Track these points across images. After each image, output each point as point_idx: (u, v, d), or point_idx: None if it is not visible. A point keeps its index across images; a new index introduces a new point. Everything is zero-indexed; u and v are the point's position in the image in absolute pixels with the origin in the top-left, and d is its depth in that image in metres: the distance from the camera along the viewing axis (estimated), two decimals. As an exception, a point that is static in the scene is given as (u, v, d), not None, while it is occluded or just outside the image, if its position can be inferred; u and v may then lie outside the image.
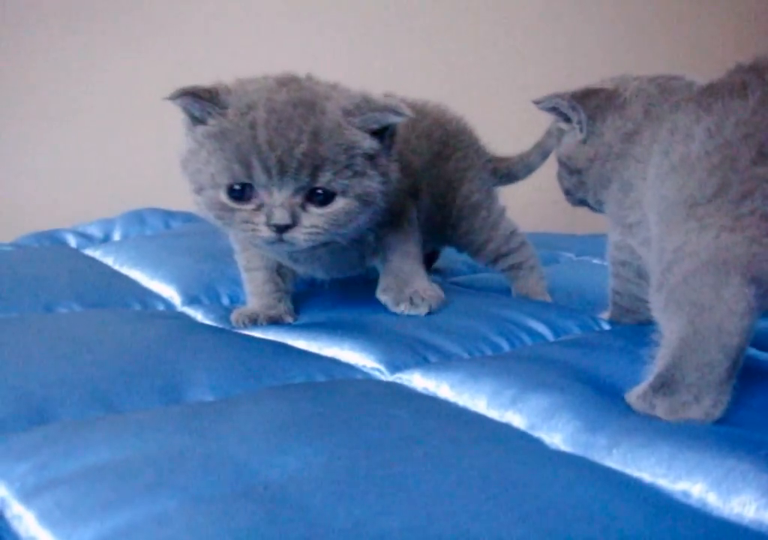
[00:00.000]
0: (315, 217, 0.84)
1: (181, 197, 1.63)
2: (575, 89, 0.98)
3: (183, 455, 0.53)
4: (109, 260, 1.35)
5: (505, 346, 0.90)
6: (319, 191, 0.84)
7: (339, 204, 0.85)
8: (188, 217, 1.60)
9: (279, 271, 1.04)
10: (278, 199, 0.83)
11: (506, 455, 0.58)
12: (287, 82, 0.88)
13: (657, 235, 0.78)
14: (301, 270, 1.04)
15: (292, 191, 0.83)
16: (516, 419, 0.68)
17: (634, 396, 0.71)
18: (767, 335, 0.97)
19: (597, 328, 0.99)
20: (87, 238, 1.51)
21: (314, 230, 0.85)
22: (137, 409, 0.67)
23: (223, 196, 0.84)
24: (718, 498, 0.55)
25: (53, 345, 0.84)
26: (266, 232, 0.84)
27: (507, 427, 0.67)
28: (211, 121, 0.84)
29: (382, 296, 1.01)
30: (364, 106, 0.86)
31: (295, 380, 0.76)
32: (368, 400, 0.67)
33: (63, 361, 0.78)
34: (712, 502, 0.55)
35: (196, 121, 0.86)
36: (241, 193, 0.84)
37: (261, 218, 0.83)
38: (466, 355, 0.86)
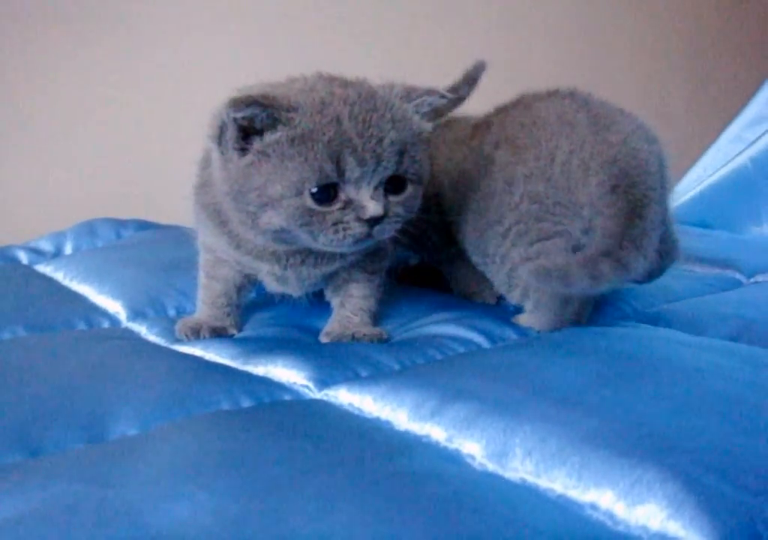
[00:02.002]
0: (396, 206, 0.84)
1: (134, 205, 1.64)
2: None
3: (80, 507, 0.53)
4: (59, 275, 1.34)
5: (438, 356, 0.89)
6: (396, 180, 0.84)
7: (410, 190, 0.85)
8: (140, 226, 1.60)
9: (238, 285, 1.03)
10: (368, 193, 0.81)
11: (413, 482, 0.58)
12: (330, 79, 0.86)
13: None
14: (275, 284, 0.99)
15: (378, 182, 0.82)
16: (435, 431, 0.68)
17: (521, 321, 0.98)
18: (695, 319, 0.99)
19: (535, 333, 0.99)
20: (38, 254, 1.50)
21: (397, 219, 0.84)
22: (58, 451, 0.67)
23: (310, 201, 0.80)
24: (625, 508, 0.55)
25: (-16, 380, 0.84)
26: (359, 228, 0.81)
27: (424, 443, 0.67)
28: (281, 127, 0.79)
29: (323, 338, 0.98)
30: (413, 91, 0.86)
31: (222, 406, 0.76)
32: (283, 428, 0.68)
33: (-9, 398, 0.78)
34: (619, 513, 0.55)
35: (250, 132, 0.80)
36: (326, 194, 0.80)
37: (351, 215, 0.81)
38: (397, 367, 0.86)
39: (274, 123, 0.79)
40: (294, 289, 1.00)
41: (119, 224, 1.59)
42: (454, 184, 1.03)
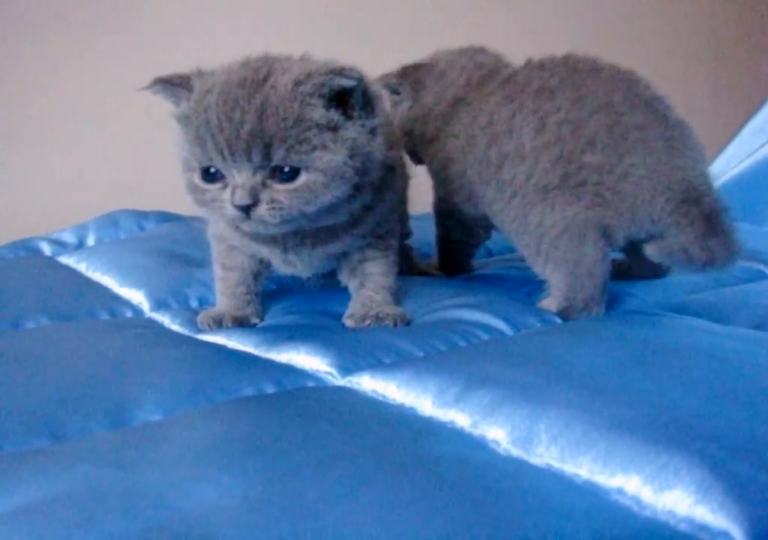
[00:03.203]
0: (277, 193, 0.82)
1: (154, 197, 1.64)
2: (399, 68, 1.22)
3: (106, 490, 0.53)
4: (82, 267, 1.35)
5: (462, 343, 0.89)
6: (285, 169, 0.82)
7: (302, 179, 0.83)
8: (162, 218, 1.60)
9: (254, 272, 1.03)
10: (239, 180, 0.82)
11: (438, 468, 0.58)
12: (251, 62, 0.87)
13: (505, 210, 1.04)
14: (283, 266, 1.01)
15: (252, 171, 0.82)
16: (459, 417, 0.68)
17: (545, 305, 1.02)
18: (719, 308, 0.98)
19: (558, 321, 0.99)
20: (61, 245, 1.51)
21: (277, 205, 0.82)
22: (82, 436, 0.67)
23: (197, 179, 0.86)
24: (652, 494, 0.55)
25: (10, 367, 0.85)
26: (231, 211, 0.83)
27: (449, 429, 0.67)
28: (181, 106, 0.86)
29: (347, 321, 0.98)
30: (314, 72, 0.83)
31: (244, 393, 0.76)
32: (306, 414, 0.68)
33: (17, 384, 0.79)
34: (646, 497, 0.55)
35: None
36: (213, 175, 0.84)
37: (227, 196, 0.83)
38: (420, 354, 0.86)
39: (180, 101, 0.87)
40: (302, 271, 1.01)
41: (141, 216, 1.60)
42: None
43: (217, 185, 0.84)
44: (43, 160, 1.80)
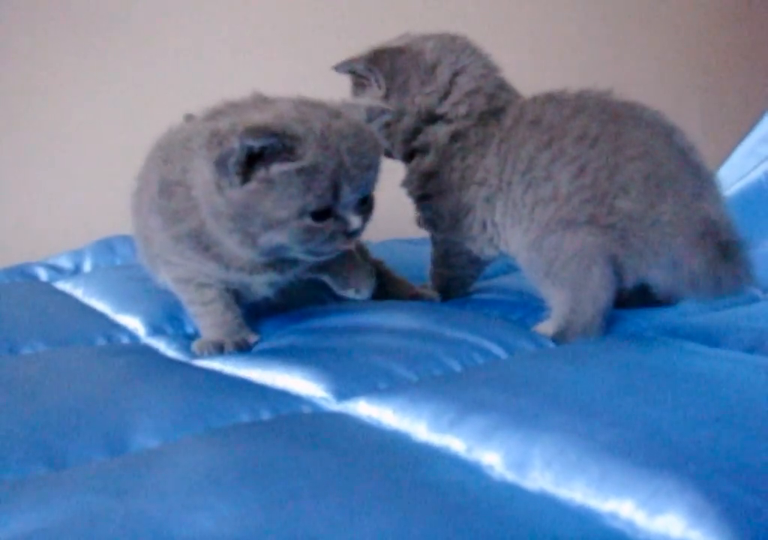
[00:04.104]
0: (365, 217, 0.92)
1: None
2: (368, 51, 1.14)
3: (104, 518, 0.53)
4: (78, 292, 1.36)
5: (457, 367, 0.90)
6: (368, 196, 0.92)
7: (370, 202, 0.93)
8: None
9: (231, 295, 1.04)
10: (352, 210, 0.90)
11: (433, 493, 0.58)
12: (309, 104, 0.90)
13: (523, 239, 1.04)
14: (260, 289, 1.05)
15: (359, 201, 0.90)
16: (455, 443, 0.68)
17: (542, 329, 1.02)
18: (711, 331, 0.99)
19: (551, 345, 1.00)
20: (57, 271, 1.52)
21: (363, 228, 0.93)
22: (80, 463, 0.68)
23: (309, 221, 0.86)
24: (646, 517, 0.55)
25: (6, 393, 0.85)
26: (343, 240, 0.90)
27: (443, 454, 0.67)
28: (287, 158, 0.83)
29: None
30: (370, 112, 0.94)
31: (241, 419, 0.76)
32: (302, 440, 0.68)
33: (13, 410, 0.79)
34: (640, 521, 0.55)
35: (254, 160, 0.84)
36: (323, 214, 0.87)
37: (340, 230, 0.89)
38: (415, 378, 0.86)
39: (280, 153, 0.83)
40: (270, 291, 1.06)
41: (137, 241, 1.60)
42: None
43: (328, 223, 0.88)
44: (39, 185, 1.81)
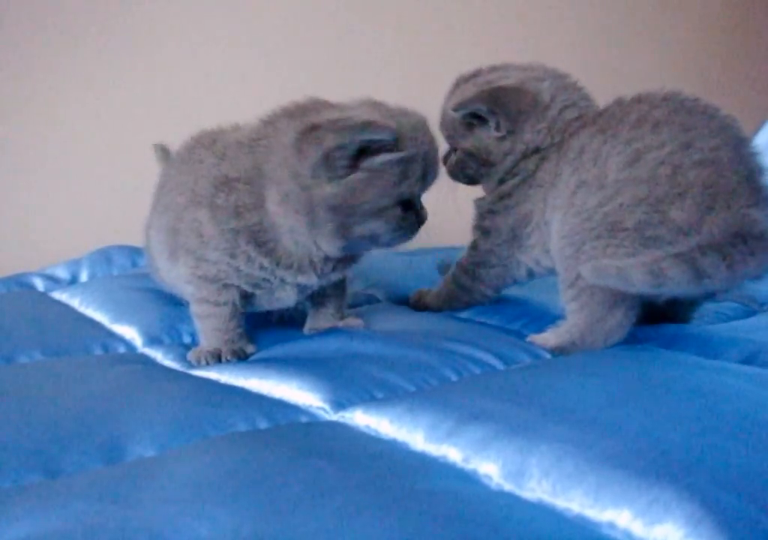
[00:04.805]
0: None
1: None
2: (480, 91, 1.09)
3: (100, 527, 0.53)
4: (75, 302, 1.36)
5: (453, 377, 0.90)
6: None
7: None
8: (155, 253, 1.61)
9: (240, 305, 1.04)
10: (421, 201, 0.97)
11: (430, 502, 0.58)
12: (377, 103, 0.96)
13: (562, 229, 0.99)
14: (290, 294, 1.05)
15: None
16: (451, 452, 0.68)
17: (539, 340, 1.01)
18: (708, 343, 0.99)
19: (548, 356, 1.00)
20: (54, 281, 1.52)
21: None
22: (76, 472, 0.68)
23: (400, 210, 0.93)
24: (643, 527, 0.55)
25: (3, 402, 0.85)
26: (417, 229, 0.97)
27: (441, 463, 0.67)
28: (391, 149, 0.90)
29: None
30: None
31: (238, 428, 0.76)
32: (300, 449, 0.68)
33: (10, 419, 0.79)
34: (637, 531, 0.55)
35: (361, 153, 0.89)
36: (409, 203, 0.94)
37: (412, 218, 0.95)
38: (412, 388, 0.86)
39: (386, 145, 0.89)
40: (291, 300, 1.06)
41: (135, 252, 1.60)
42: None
43: (411, 211, 0.95)
44: (36, 195, 1.81)
